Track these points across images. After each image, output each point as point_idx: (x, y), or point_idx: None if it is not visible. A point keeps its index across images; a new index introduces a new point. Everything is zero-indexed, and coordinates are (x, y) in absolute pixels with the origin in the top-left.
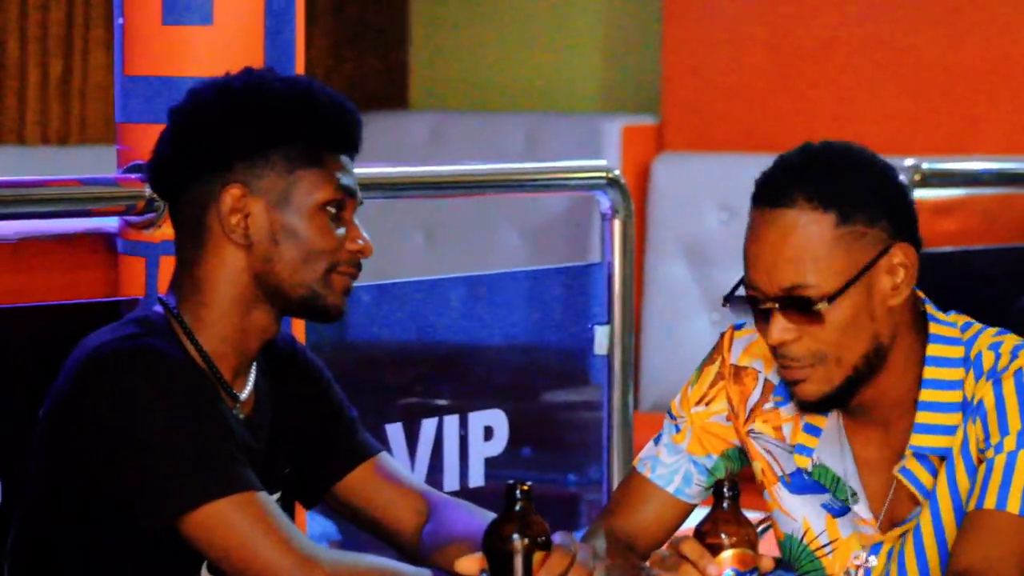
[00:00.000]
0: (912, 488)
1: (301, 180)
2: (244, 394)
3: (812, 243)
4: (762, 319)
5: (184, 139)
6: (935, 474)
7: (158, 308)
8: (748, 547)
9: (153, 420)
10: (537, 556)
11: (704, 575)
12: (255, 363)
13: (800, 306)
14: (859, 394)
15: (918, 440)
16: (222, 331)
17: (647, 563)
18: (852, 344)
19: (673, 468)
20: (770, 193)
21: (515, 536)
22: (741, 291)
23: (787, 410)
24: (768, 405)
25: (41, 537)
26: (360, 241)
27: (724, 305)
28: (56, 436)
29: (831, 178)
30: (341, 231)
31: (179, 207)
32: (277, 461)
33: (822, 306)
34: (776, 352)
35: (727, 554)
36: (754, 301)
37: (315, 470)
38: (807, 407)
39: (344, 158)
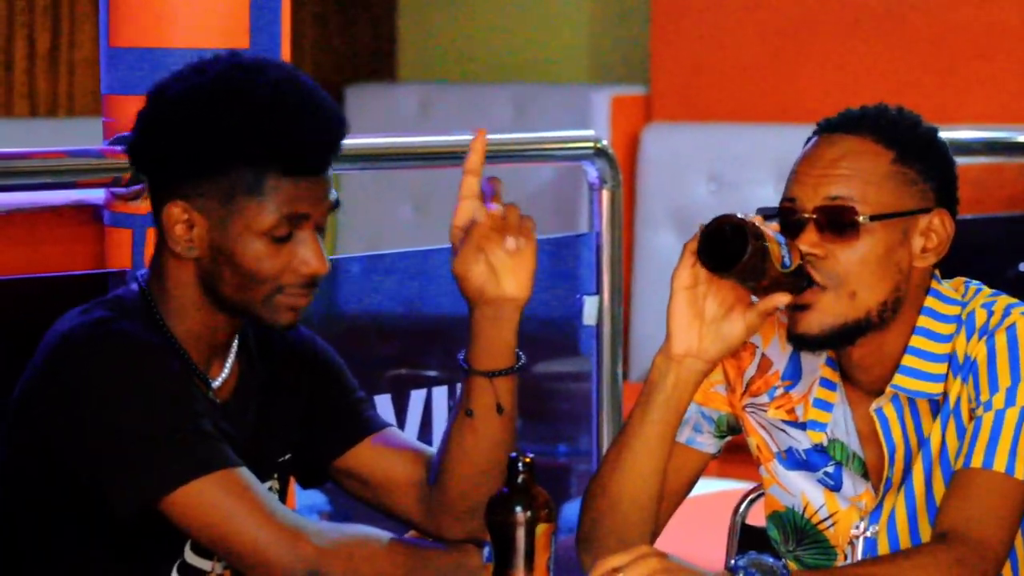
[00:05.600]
0: (879, 430)
1: (240, 209)
2: (218, 381)
3: (867, 168)
4: (791, 235)
5: (135, 145)
6: (904, 426)
7: (134, 285)
8: None
9: (126, 405)
10: (540, 528)
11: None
12: (234, 352)
13: (837, 219)
14: (858, 345)
15: (900, 380)
16: (187, 324)
17: None
18: (873, 283)
19: (683, 419)
20: (839, 122)
21: (517, 509)
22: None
23: (798, 391)
24: (779, 391)
25: (11, 524)
26: (310, 264)
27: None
28: (26, 423)
29: (900, 126)
30: (294, 251)
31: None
32: (267, 449)
33: (862, 220)
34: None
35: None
36: (789, 214)
37: (317, 449)
38: (800, 341)
39: (303, 180)
